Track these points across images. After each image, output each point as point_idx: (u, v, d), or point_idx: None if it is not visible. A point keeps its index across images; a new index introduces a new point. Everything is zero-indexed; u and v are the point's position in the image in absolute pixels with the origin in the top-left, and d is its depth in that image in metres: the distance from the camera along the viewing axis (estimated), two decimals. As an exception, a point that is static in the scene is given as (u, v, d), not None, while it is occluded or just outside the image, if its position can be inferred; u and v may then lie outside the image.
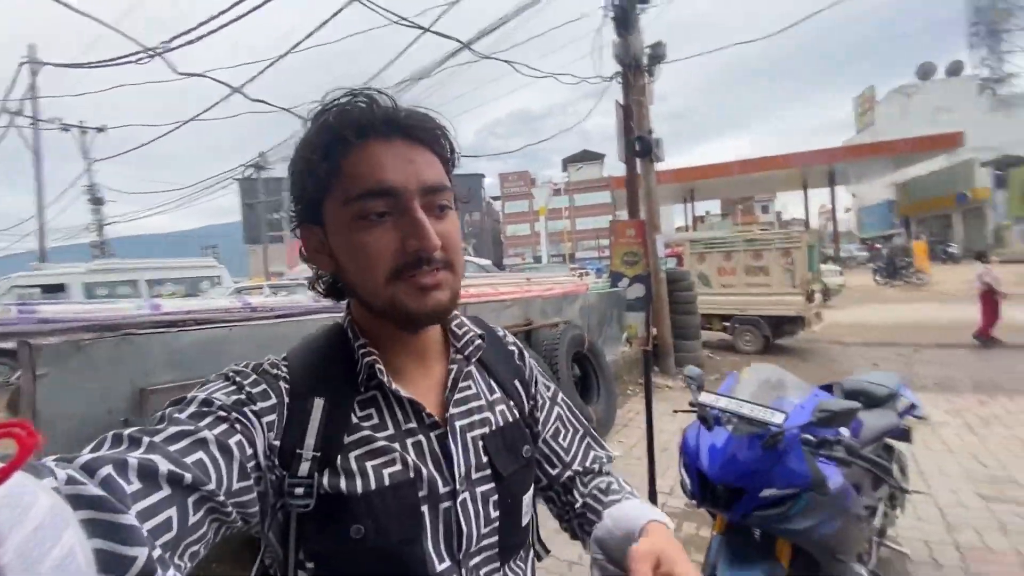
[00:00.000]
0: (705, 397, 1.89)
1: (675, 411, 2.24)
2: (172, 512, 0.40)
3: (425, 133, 0.56)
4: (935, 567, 2.48)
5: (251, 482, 0.48)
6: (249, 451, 0.49)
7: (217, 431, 0.47)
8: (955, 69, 38.21)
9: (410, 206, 0.53)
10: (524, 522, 0.63)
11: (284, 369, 0.56)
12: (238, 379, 0.53)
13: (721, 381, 2.28)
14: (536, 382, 0.73)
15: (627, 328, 7.55)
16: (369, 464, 0.53)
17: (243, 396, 0.51)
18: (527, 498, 0.64)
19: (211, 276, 11.81)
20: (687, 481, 1.90)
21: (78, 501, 0.33)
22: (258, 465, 0.49)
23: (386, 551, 0.52)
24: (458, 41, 7.12)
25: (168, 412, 0.48)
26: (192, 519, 0.42)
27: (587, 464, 0.74)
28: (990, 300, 7.45)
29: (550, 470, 0.72)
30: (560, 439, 0.73)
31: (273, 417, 0.52)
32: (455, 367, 0.62)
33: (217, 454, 0.46)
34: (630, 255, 7.50)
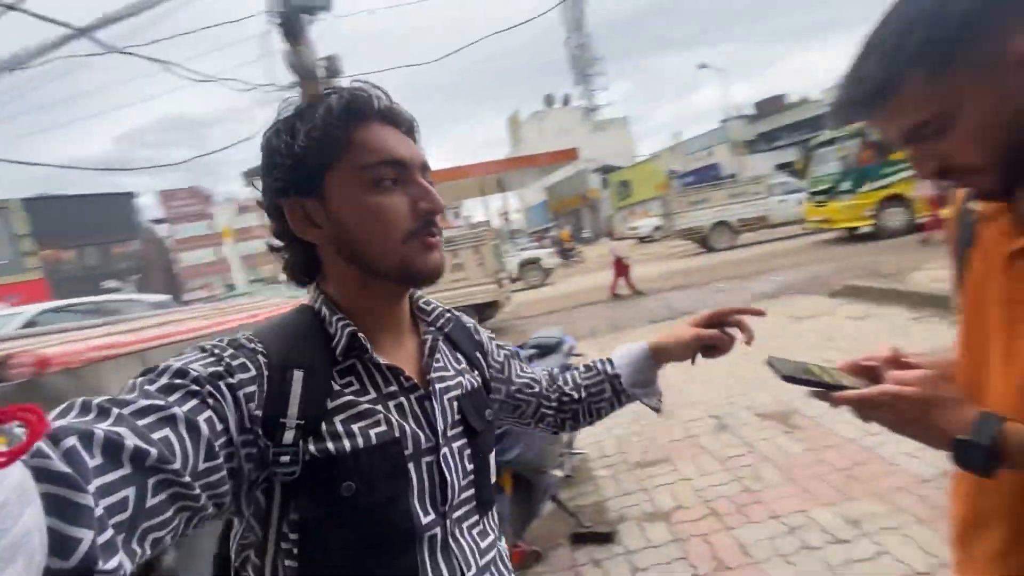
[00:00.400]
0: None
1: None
2: (130, 492, 0.39)
3: (411, 125, 0.66)
4: (603, 455, 3.43)
5: (220, 460, 0.47)
6: (220, 427, 0.48)
7: (187, 407, 0.46)
8: (567, 99, 50.78)
9: (417, 176, 0.62)
10: (492, 479, 0.70)
11: (259, 344, 0.56)
12: (216, 351, 0.53)
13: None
14: (493, 350, 0.82)
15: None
16: (355, 426, 0.56)
17: (221, 368, 0.51)
18: (492, 457, 0.71)
19: None
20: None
21: (40, 474, 0.32)
22: (229, 441, 0.49)
23: (375, 508, 0.55)
24: (70, 27, 5.63)
25: (139, 382, 0.47)
26: (151, 501, 0.41)
27: (555, 372, 0.89)
28: (621, 265, 10.34)
29: (537, 389, 0.84)
30: (526, 370, 0.85)
31: (253, 389, 0.52)
32: (429, 337, 0.68)
33: (184, 433, 0.45)
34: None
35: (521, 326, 9.43)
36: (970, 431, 0.55)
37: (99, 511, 0.36)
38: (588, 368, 0.88)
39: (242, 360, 0.53)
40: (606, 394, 0.85)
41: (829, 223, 11.73)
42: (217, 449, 0.47)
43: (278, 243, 0.66)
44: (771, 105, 32.82)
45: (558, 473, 2.47)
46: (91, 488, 0.36)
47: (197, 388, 0.48)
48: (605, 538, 2.50)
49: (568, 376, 0.88)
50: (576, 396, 0.86)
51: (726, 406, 3.84)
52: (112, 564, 0.35)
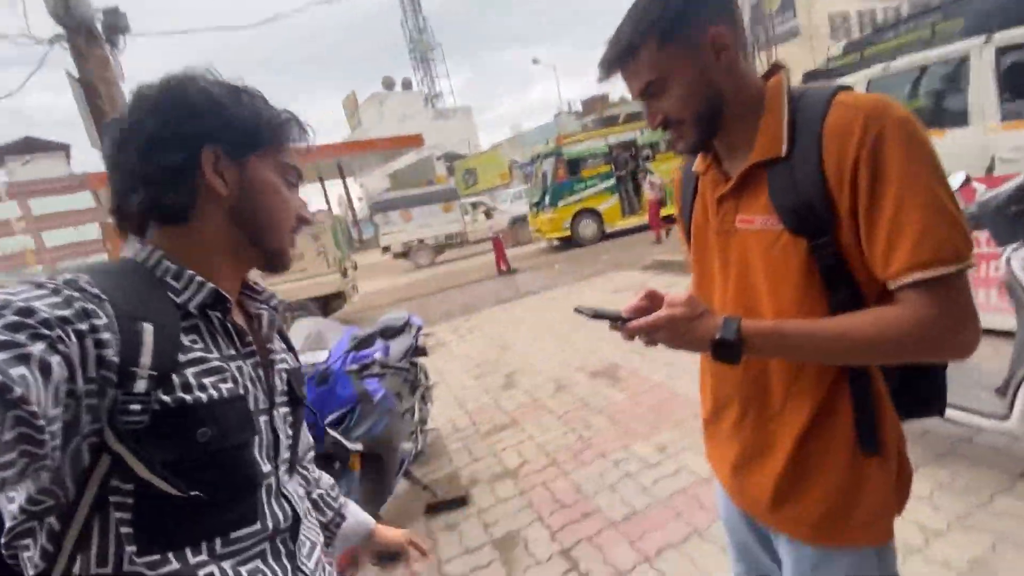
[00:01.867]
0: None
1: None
2: None
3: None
4: (456, 430, 3.56)
5: (60, 409, 0.45)
6: (66, 374, 0.46)
7: (38, 348, 0.44)
8: (407, 83, 49.52)
9: (297, 189, 0.74)
10: (301, 446, 0.78)
11: (99, 290, 0.53)
12: (64, 291, 0.50)
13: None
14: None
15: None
16: (207, 380, 0.58)
17: (70, 312, 0.48)
18: (303, 428, 0.79)
19: None
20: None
21: None
22: (72, 392, 0.47)
23: (227, 454, 0.58)
24: None
25: None
26: (5, 436, 0.39)
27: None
28: (498, 242, 10.64)
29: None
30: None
31: (108, 335, 0.50)
32: (265, 313, 0.73)
33: (38, 374, 0.43)
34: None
35: (373, 314, 9.14)
36: (720, 331, 0.71)
37: None
38: (334, 492, 0.93)
39: (91, 305, 0.50)
40: (320, 519, 0.87)
41: (540, 233, 13.24)
42: (61, 396, 0.45)
43: (148, 178, 0.62)
44: (596, 104, 36.20)
45: (407, 446, 2.51)
46: None
47: (47, 331, 0.45)
48: (459, 503, 2.62)
49: (323, 478, 0.92)
50: (307, 489, 0.87)
51: (563, 370, 4.25)
52: None
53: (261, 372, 0.66)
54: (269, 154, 0.68)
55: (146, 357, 0.53)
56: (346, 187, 27.23)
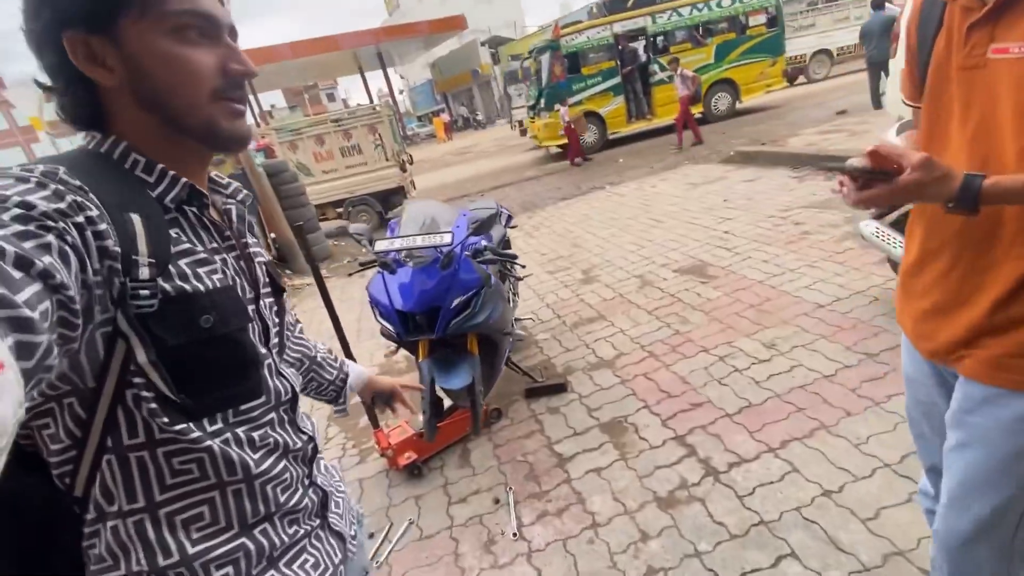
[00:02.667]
0: (380, 244, 1.96)
1: (350, 274, 2.25)
2: (46, 306, 0.39)
3: None
4: (540, 321, 3.57)
5: (78, 295, 0.45)
6: (76, 265, 0.46)
7: (51, 238, 0.43)
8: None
9: (225, 36, 0.60)
10: (286, 331, 0.82)
11: (81, 182, 0.51)
12: (51, 184, 0.48)
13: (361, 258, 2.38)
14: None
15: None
16: (200, 270, 0.59)
17: (64, 204, 0.47)
18: (286, 315, 0.82)
19: None
20: (388, 326, 2.01)
21: None
22: (84, 282, 0.47)
23: (229, 336, 0.60)
24: None
25: None
26: (53, 320, 0.41)
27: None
28: (573, 132, 9.85)
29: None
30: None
31: (104, 226, 0.50)
32: (233, 207, 0.72)
33: (59, 262, 0.43)
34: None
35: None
36: (958, 193, 0.72)
37: (37, 316, 0.37)
38: (332, 355, 1.04)
39: (79, 198, 0.49)
40: (328, 377, 1.02)
41: (537, 140, 11.67)
42: (78, 285, 0.46)
43: (49, 82, 0.58)
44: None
45: (520, 333, 2.52)
46: (20, 300, 0.36)
47: (51, 223, 0.44)
48: (559, 388, 2.67)
49: (319, 345, 1.02)
50: (312, 355, 0.98)
51: (645, 266, 4.11)
52: (55, 361, 0.40)
53: (243, 264, 0.68)
54: (141, 11, 0.54)
55: (142, 245, 0.53)
56: (387, 77, 26.00)
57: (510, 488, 2.09)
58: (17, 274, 0.38)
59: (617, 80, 10.95)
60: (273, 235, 6.52)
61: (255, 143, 7.18)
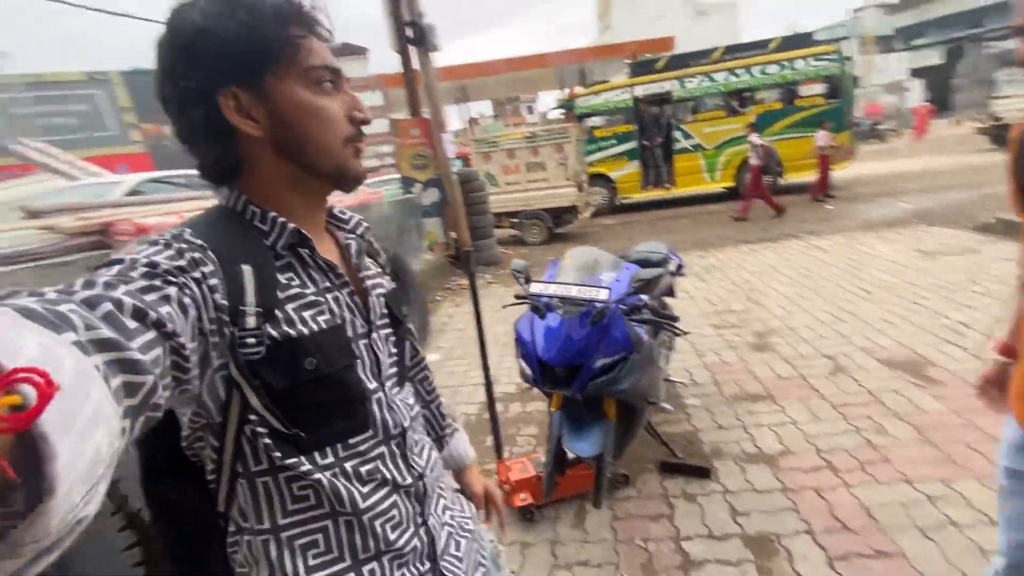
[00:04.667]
0: (535, 287, 1.91)
1: (504, 305, 2.26)
2: (158, 352, 0.44)
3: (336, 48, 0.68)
4: (695, 385, 3.21)
5: (196, 344, 0.52)
6: (194, 314, 0.52)
7: (171, 291, 0.50)
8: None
9: (346, 86, 0.67)
10: (407, 361, 0.84)
11: (202, 240, 0.58)
12: (175, 244, 0.55)
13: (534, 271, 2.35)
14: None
15: (426, 235, 7.45)
16: (306, 314, 0.62)
17: (184, 262, 0.54)
18: (407, 344, 0.84)
19: None
20: (526, 368, 1.95)
21: (97, 345, 0.37)
22: (201, 330, 0.53)
23: (334, 377, 0.63)
24: None
25: (121, 269, 0.49)
26: (165, 364, 0.45)
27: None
28: (826, 159, 9.05)
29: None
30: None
31: (216, 281, 0.56)
32: (353, 242, 0.74)
33: (178, 311, 0.49)
34: (419, 158, 7.18)
35: (601, 233, 9.00)
36: None
37: (147, 360, 0.41)
38: (446, 416, 0.99)
39: (198, 255, 0.56)
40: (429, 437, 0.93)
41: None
42: (195, 333, 0.52)
43: (190, 139, 0.63)
44: (921, -10, 27.03)
45: (668, 407, 2.27)
46: (136, 343, 0.41)
47: (172, 278, 0.51)
48: (700, 472, 2.34)
49: (439, 394, 0.97)
50: (424, 399, 0.93)
51: (840, 346, 3.43)
52: (162, 399, 0.44)
53: (357, 299, 0.69)
54: (286, 67, 0.61)
55: (250, 296, 0.58)
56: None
57: (622, 575, 1.88)
58: (133, 324, 0.43)
59: (632, 144, 10.47)
60: (454, 235, 7.09)
61: (455, 150, 7.89)
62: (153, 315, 0.45)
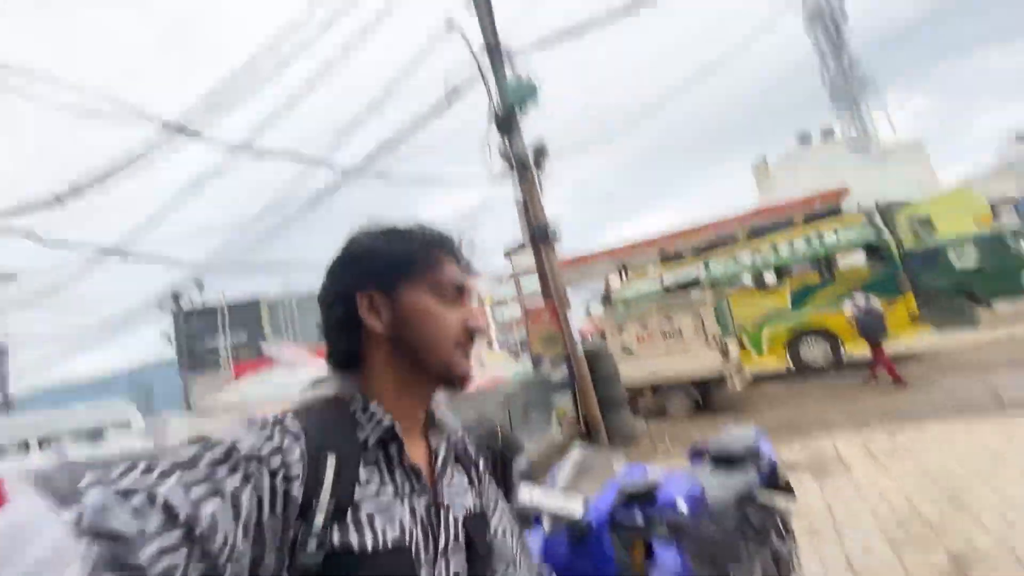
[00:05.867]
0: (522, 493, 1.75)
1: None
2: (179, 557, 0.45)
3: (470, 264, 0.77)
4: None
5: (250, 540, 0.51)
6: (255, 507, 0.52)
7: (233, 483, 0.51)
8: (828, 132, 43.55)
9: (468, 300, 0.74)
10: None
11: (299, 425, 0.61)
12: (270, 428, 0.59)
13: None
14: (490, 481, 0.81)
15: (556, 410, 7.37)
16: (376, 521, 0.59)
17: (267, 450, 0.56)
18: None
19: (118, 420, 10.88)
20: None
21: (100, 533, 0.40)
22: (259, 522, 0.53)
23: None
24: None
25: (197, 451, 0.53)
26: (190, 569, 0.46)
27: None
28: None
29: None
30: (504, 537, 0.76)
31: (298, 472, 0.56)
32: (442, 449, 0.73)
33: (229, 508, 0.50)
34: (548, 337, 7.52)
35: (757, 403, 7.80)
36: None
37: (151, 572, 0.42)
38: None
39: (288, 442, 0.58)
40: None
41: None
42: (251, 528, 0.51)
43: (328, 332, 0.72)
44: None
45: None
46: (149, 549, 0.43)
47: (245, 466, 0.53)
48: None
49: None
50: None
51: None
52: None
53: (432, 513, 0.65)
54: (419, 280, 0.69)
55: (327, 489, 0.57)
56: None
57: None
58: (155, 522, 0.46)
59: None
60: (584, 412, 6.89)
61: (580, 329, 8.09)
62: (184, 515, 0.46)
